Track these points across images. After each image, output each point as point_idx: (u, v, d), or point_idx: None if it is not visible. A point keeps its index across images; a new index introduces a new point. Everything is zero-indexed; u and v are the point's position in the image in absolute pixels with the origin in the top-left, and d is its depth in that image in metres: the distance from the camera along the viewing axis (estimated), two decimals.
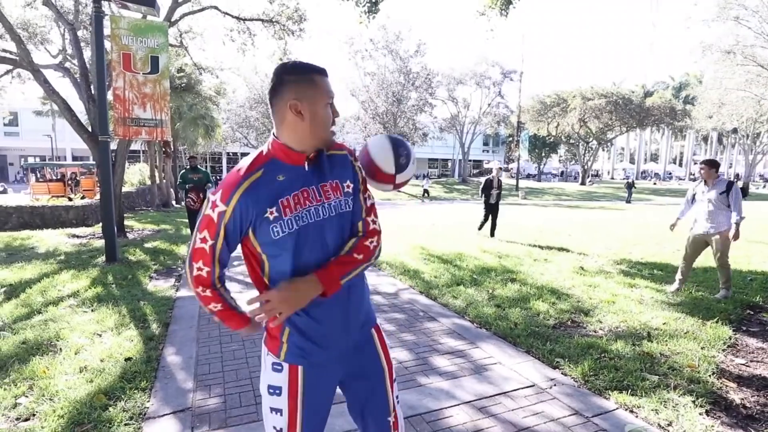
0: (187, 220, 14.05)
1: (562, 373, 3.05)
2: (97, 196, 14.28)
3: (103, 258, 6.73)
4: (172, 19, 9.88)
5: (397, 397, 1.42)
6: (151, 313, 4.26)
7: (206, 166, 45.15)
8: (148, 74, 6.66)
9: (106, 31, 6.67)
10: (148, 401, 2.63)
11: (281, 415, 1.26)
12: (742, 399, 2.70)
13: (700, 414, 2.51)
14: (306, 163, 1.21)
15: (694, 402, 2.61)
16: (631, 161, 66.21)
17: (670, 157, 72.17)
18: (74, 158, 38.20)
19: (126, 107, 6.61)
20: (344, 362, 1.32)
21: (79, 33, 10.35)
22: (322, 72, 1.19)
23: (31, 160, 39.12)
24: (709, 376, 2.96)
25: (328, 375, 1.30)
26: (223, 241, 1.15)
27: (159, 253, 7.42)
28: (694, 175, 58.44)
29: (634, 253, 7.45)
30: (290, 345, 1.24)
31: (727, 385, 2.88)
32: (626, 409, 2.58)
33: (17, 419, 2.43)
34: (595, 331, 3.83)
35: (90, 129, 8.81)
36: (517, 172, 32.02)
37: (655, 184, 44.67)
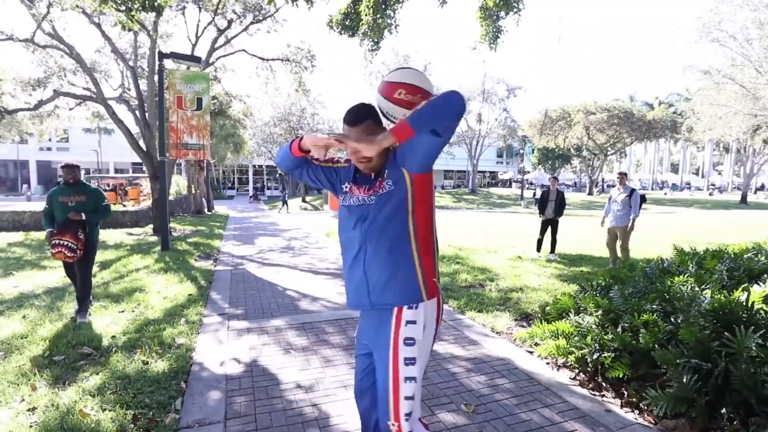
0: (219, 223, 16.33)
1: (448, 306, 4.98)
2: (142, 203, 16.94)
3: (159, 248, 9.00)
4: (210, 61, 12.31)
5: None
6: (200, 277, 6.41)
7: (217, 177, 43.68)
8: (194, 111, 8.96)
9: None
10: (204, 310, 4.73)
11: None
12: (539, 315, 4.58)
13: (510, 320, 4.41)
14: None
15: (510, 315, 4.52)
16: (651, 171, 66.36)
17: (692, 168, 71.92)
18: (116, 171, 42.08)
19: (178, 135, 8.92)
20: None
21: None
22: (345, 119, 1.57)
23: None
24: (522, 304, 4.84)
25: None
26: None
27: (199, 245, 9.66)
28: (714, 185, 58.39)
29: (573, 247, 9.22)
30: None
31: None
32: (470, 318, 4.50)
33: (137, 315, 4.56)
34: (489, 289, 5.73)
35: (145, 149, 11.24)
36: (522, 183, 33.64)
37: (665, 194, 45.06)
